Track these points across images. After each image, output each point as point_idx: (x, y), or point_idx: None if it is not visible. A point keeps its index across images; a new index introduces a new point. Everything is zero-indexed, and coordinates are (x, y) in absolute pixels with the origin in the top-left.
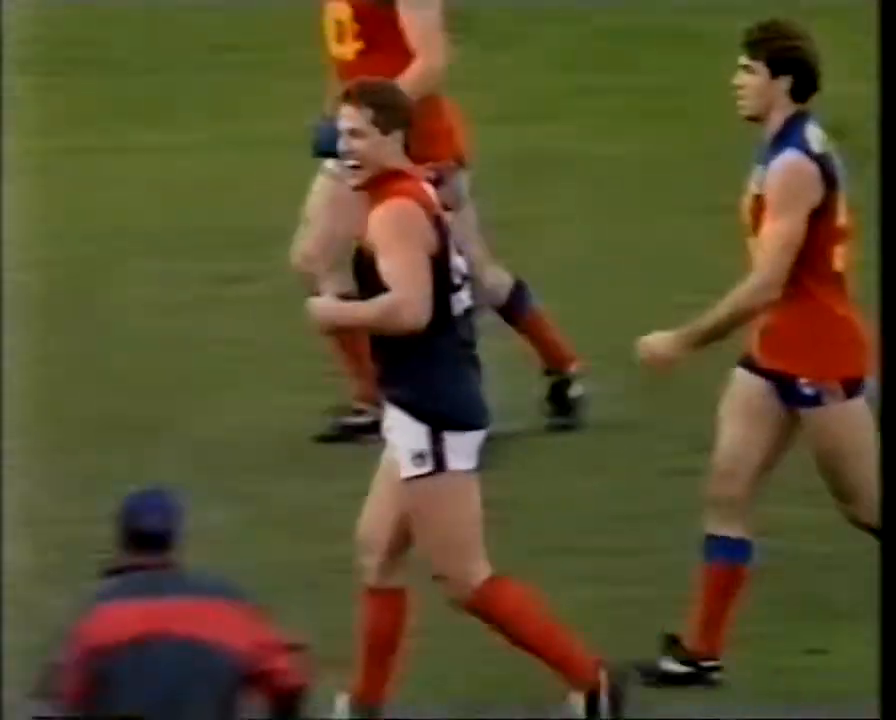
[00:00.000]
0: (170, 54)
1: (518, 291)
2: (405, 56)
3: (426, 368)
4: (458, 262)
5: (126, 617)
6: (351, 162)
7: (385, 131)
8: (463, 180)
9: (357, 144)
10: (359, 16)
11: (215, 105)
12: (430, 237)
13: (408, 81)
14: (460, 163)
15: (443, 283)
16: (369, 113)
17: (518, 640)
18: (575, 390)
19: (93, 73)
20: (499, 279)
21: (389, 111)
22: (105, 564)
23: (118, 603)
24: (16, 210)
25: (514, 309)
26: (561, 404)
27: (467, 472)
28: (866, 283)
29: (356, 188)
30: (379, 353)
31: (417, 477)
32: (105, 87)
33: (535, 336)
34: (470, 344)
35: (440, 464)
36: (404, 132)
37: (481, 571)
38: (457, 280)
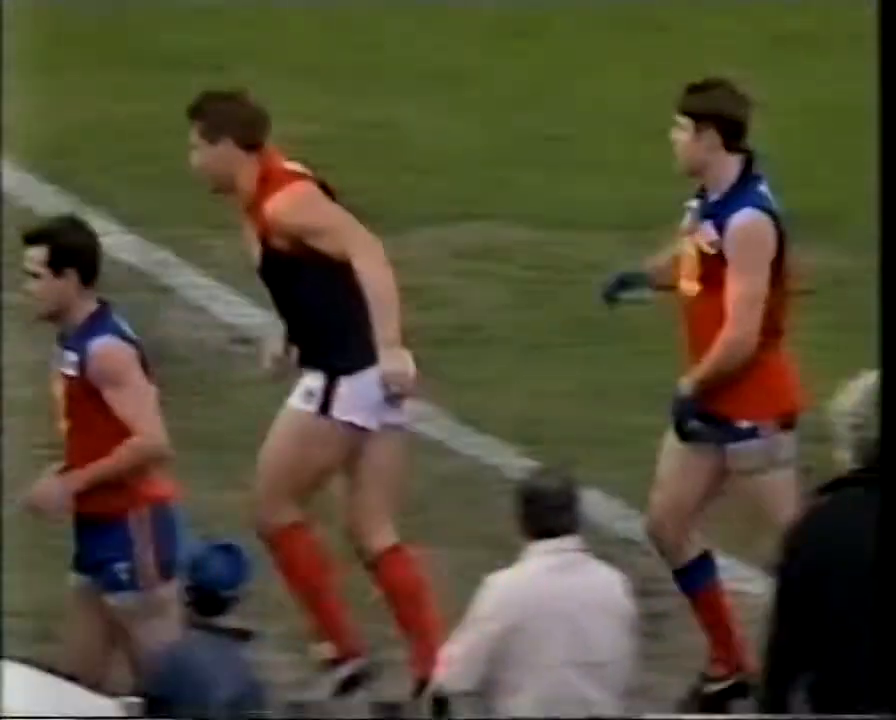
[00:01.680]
0: None
1: None
2: None
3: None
4: None
5: None
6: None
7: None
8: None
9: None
10: None
11: None
12: None
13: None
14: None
15: None
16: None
17: (292, 587)
18: None
19: None
20: None
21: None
22: None
23: None
24: None
25: None
26: None
27: (350, 424)
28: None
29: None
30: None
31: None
32: None
33: None
34: None
35: (325, 408)
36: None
37: (289, 516)
38: None
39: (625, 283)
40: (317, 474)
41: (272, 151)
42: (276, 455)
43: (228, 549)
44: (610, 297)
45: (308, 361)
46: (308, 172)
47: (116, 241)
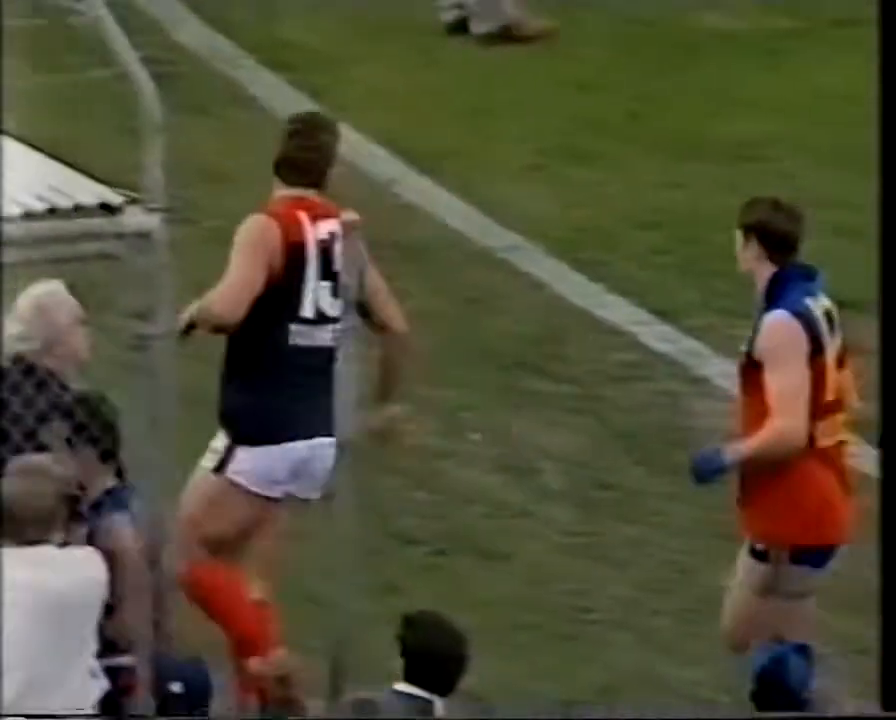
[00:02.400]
0: None
1: None
2: None
3: (238, 383)
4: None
5: None
6: None
7: None
8: None
9: None
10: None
11: None
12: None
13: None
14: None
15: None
16: None
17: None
18: None
19: None
20: None
21: None
22: None
23: None
24: None
25: None
26: None
27: (245, 488)
28: None
29: None
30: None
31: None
32: None
33: None
34: (307, 375)
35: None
36: None
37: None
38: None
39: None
40: (225, 532)
41: None
42: (183, 508)
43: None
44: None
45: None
46: None
47: (645, 330)
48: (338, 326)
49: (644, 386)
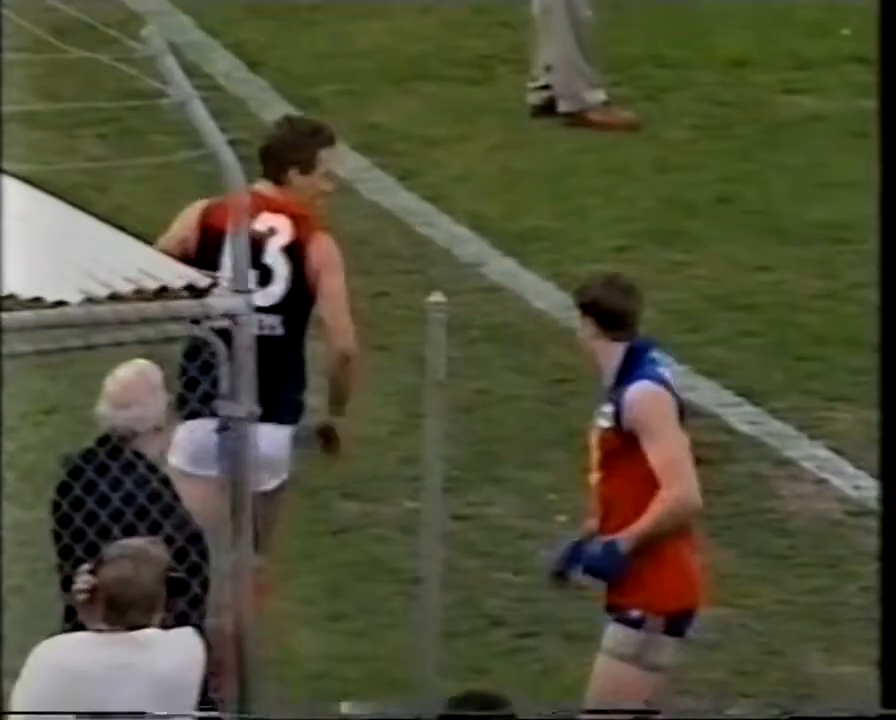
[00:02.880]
0: None
1: None
2: None
3: None
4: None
5: None
6: None
7: None
8: None
9: None
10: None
11: None
12: None
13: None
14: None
15: None
16: None
17: None
18: None
19: None
20: None
21: None
22: None
23: None
24: None
25: None
26: None
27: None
28: None
29: None
30: None
31: None
32: None
33: None
34: None
35: None
36: None
37: None
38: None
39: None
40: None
41: None
42: None
43: None
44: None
45: None
46: None
47: (731, 412)
48: (267, 318)
49: (731, 468)
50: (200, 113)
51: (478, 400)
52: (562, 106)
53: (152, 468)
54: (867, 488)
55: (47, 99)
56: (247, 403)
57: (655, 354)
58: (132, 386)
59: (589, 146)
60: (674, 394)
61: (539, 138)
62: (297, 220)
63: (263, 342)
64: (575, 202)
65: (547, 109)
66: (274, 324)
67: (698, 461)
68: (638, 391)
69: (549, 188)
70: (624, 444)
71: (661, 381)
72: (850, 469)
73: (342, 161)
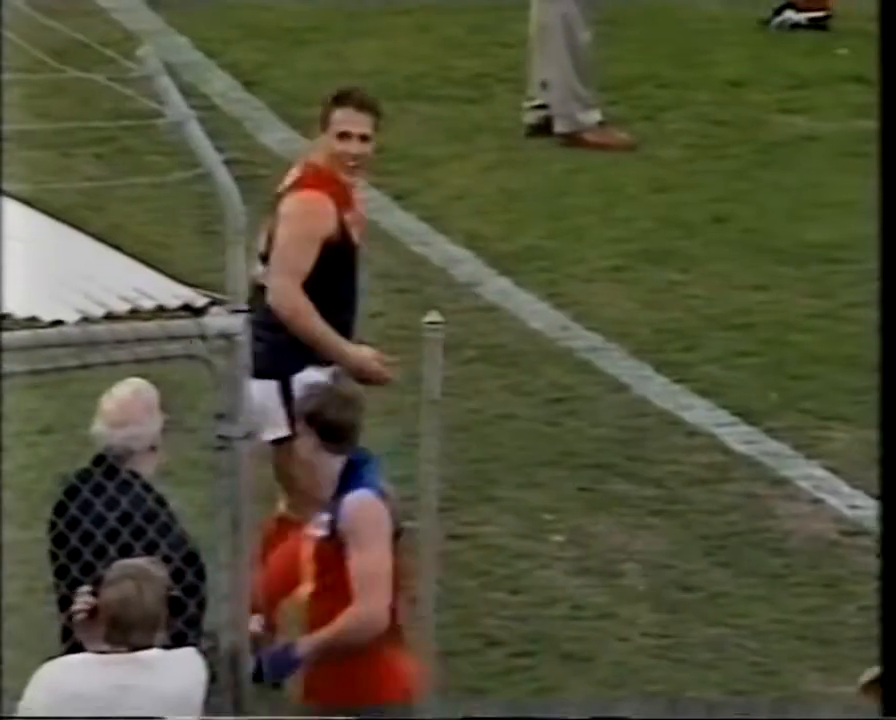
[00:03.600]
0: None
1: None
2: None
3: None
4: None
5: None
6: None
7: None
8: None
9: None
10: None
11: None
12: None
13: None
14: None
15: None
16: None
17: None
18: None
19: None
20: None
21: None
22: None
23: None
24: None
25: None
26: None
27: None
28: None
29: None
30: None
31: None
32: None
33: None
34: None
35: None
36: None
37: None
38: None
39: None
40: None
41: None
42: None
43: None
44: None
45: None
46: None
47: (726, 431)
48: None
49: (726, 488)
50: (196, 133)
51: (473, 419)
52: (558, 126)
53: (147, 487)
54: (864, 508)
55: (43, 119)
56: (244, 423)
57: (373, 466)
58: (128, 405)
59: (585, 166)
60: (391, 510)
61: (535, 157)
62: (299, 176)
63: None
64: (571, 221)
65: (543, 128)
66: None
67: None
68: (357, 499)
69: (545, 207)
70: (338, 554)
71: (380, 493)
72: (846, 489)
73: (357, 123)
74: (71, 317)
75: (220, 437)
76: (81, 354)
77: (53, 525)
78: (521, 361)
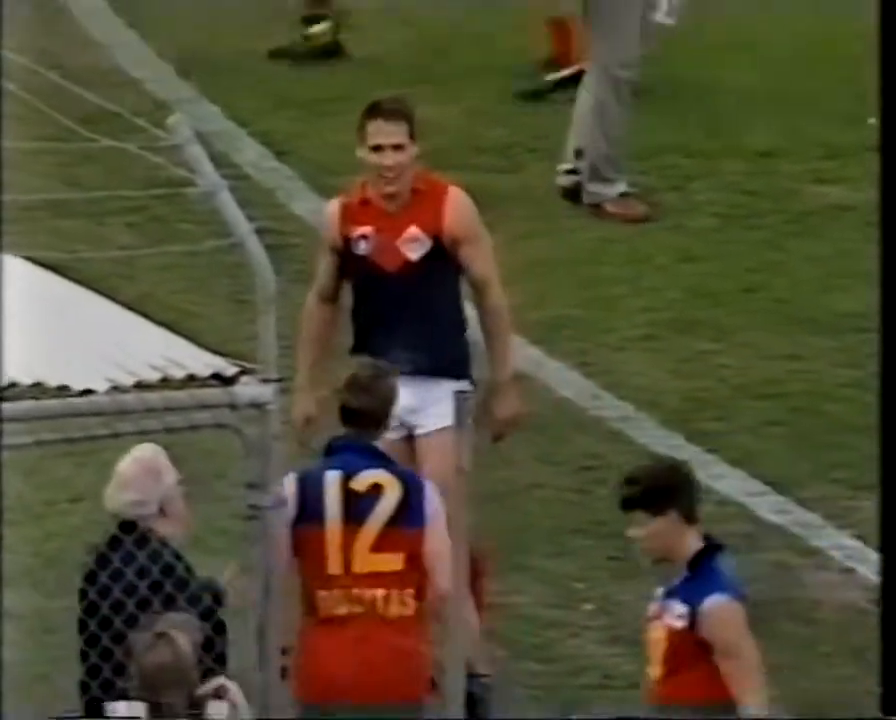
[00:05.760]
0: None
1: None
2: None
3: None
4: None
5: None
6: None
7: None
8: None
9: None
10: None
11: None
12: None
13: None
14: None
15: None
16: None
17: None
18: None
19: None
20: None
21: None
22: None
23: None
24: None
25: None
26: None
27: None
28: None
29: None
30: None
31: None
32: None
33: None
34: None
35: None
36: None
37: None
38: None
39: None
40: None
41: None
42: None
43: None
44: None
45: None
46: None
47: (757, 501)
48: None
49: (757, 557)
50: (228, 202)
51: (503, 489)
52: (585, 198)
53: (178, 556)
54: None
55: (74, 187)
56: (274, 492)
57: (347, 454)
58: (128, 470)
59: (614, 235)
60: (309, 491)
61: (564, 226)
62: None
63: None
64: (601, 291)
65: (575, 194)
66: None
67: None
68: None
69: (575, 277)
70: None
71: (303, 477)
72: (876, 558)
73: (388, 134)
74: (102, 386)
75: (251, 506)
76: (111, 423)
77: (84, 593)
78: (551, 430)
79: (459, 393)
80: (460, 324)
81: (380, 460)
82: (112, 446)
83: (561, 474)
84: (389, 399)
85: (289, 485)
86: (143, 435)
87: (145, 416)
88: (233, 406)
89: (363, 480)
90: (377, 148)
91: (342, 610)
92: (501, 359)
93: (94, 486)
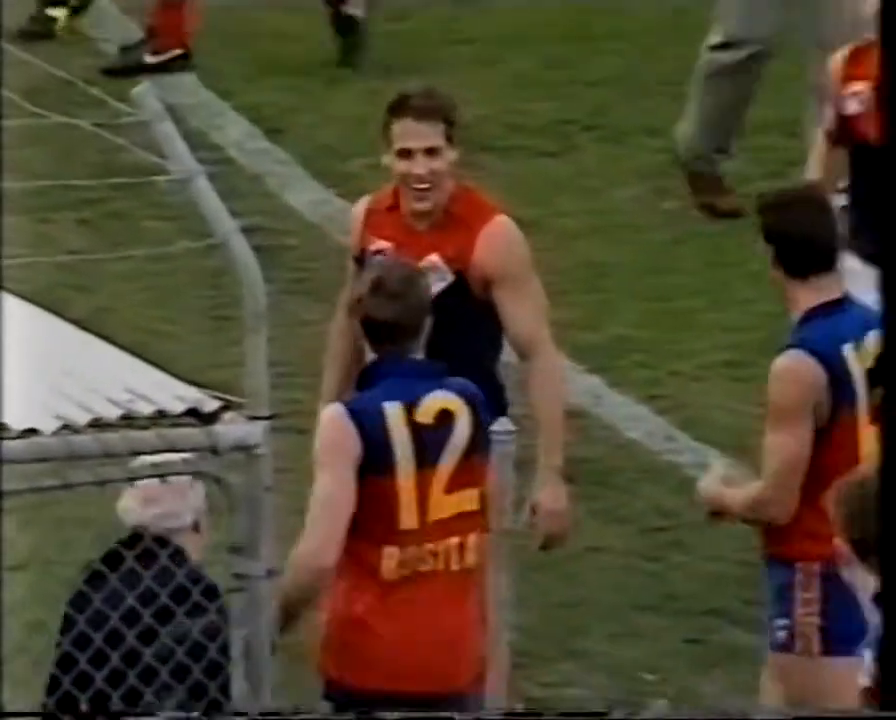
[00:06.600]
0: None
1: None
2: None
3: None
4: None
5: None
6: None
7: None
8: None
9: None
10: None
11: None
12: None
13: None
14: None
15: None
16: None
17: None
18: None
19: None
20: None
21: None
22: None
23: None
24: None
25: None
26: None
27: None
28: None
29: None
30: None
31: None
32: None
33: None
34: None
35: None
36: None
37: None
38: None
39: None
40: None
41: None
42: None
43: None
44: None
45: None
46: None
47: None
48: None
49: None
50: (206, 193)
51: (554, 553)
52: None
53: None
54: None
55: (13, 175)
56: (266, 558)
57: (404, 379)
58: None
59: (691, 234)
60: (368, 429)
61: (629, 224)
62: None
63: None
64: (674, 305)
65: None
66: None
67: None
68: (323, 417)
69: (641, 287)
70: None
71: (354, 411)
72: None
73: (420, 136)
74: (49, 425)
75: (236, 576)
76: (62, 470)
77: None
78: (614, 480)
79: (498, 434)
80: (484, 373)
81: (436, 378)
82: (64, 499)
83: (626, 535)
84: (426, 306)
85: (346, 424)
86: (101, 486)
87: (103, 462)
88: (214, 450)
89: (428, 408)
90: (405, 153)
91: (415, 569)
92: (549, 443)
93: (40, 550)
